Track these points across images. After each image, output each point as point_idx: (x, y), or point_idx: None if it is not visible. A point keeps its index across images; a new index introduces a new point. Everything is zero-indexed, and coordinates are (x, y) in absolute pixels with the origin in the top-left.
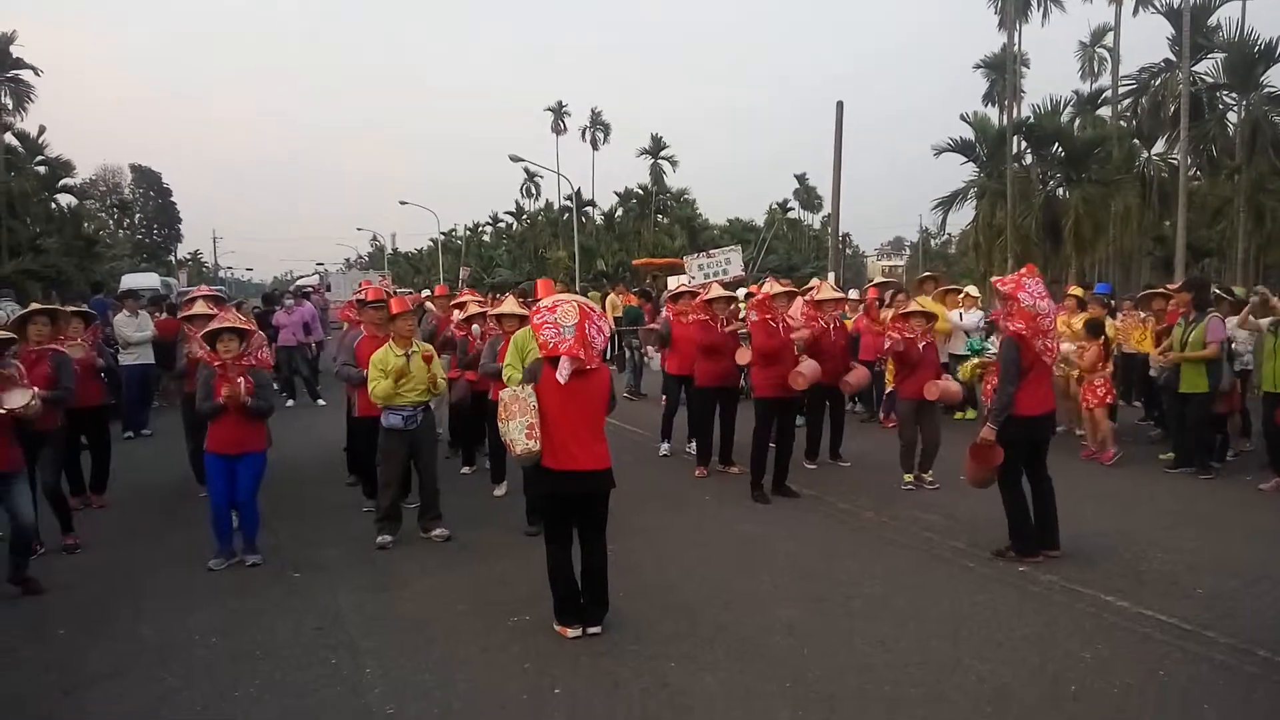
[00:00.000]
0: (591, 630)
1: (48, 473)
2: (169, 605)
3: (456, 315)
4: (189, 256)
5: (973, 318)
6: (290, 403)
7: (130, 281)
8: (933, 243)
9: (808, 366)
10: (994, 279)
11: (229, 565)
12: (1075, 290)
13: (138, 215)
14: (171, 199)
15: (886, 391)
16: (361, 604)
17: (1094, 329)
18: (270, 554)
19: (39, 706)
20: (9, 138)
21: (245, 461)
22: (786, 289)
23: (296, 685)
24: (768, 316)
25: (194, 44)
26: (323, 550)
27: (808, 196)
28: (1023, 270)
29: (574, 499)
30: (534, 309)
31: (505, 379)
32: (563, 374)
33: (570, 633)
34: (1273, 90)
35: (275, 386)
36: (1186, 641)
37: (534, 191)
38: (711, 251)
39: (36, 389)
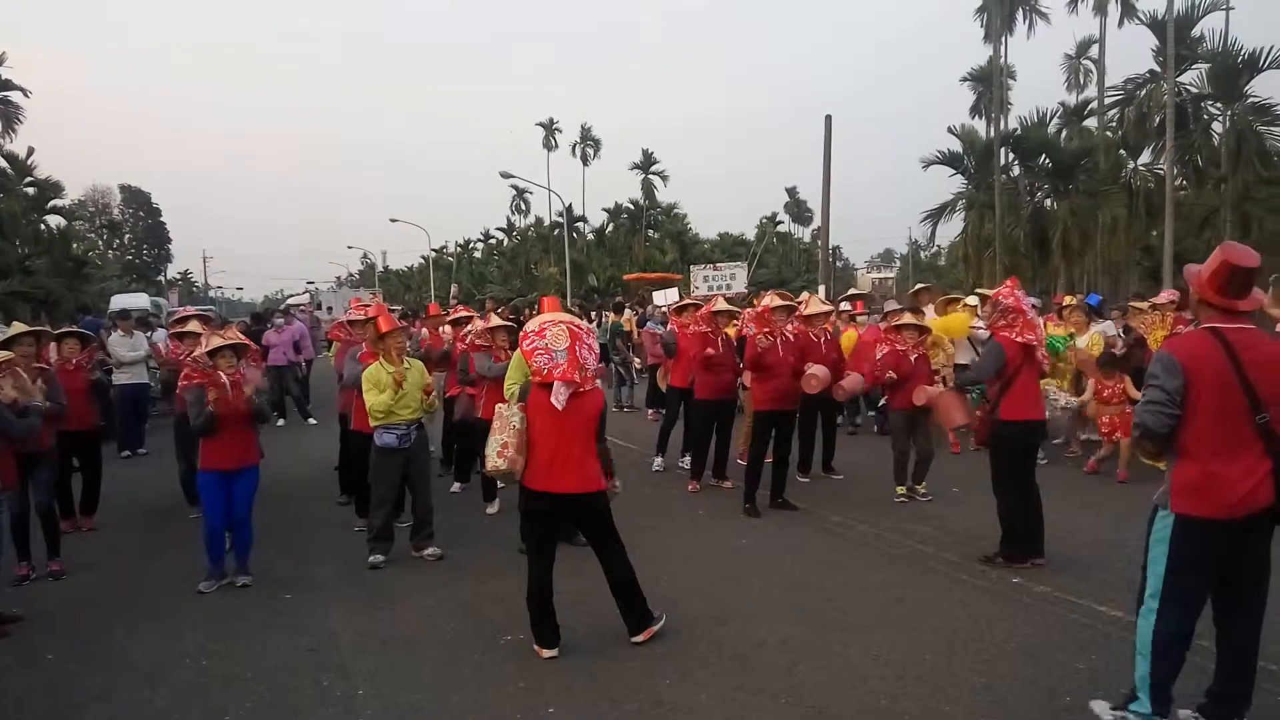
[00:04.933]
0: (635, 640)
1: (41, 493)
2: (159, 628)
3: (447, 331)
4: (179, 276)
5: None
6: (281, 422)
7: (120, 302)
8: (922, 254)
9: (820, 369)
10: (992, 290)
11: (219, 587)
12: (1069, 299)
13: (127, 236)
14: (161, 219)
15: (880, 404)
16: (354, 624)
17: (1109, 364)
18: (262, 575)
19: None
20: None
21: (242, 477)
22: (786, 302)
23: (288, 707)
24: (765, 330)
25: (183, 64)
26: (314, 570)
27: (798, 209)
28: (1008, 282)
29: (557, 519)
30: (523, 333)
31: (506, 393)
32: (559, 399)
33: (546, 653)
34: (1257, 100)
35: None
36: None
37: (524, 208)
38: (719, 265)
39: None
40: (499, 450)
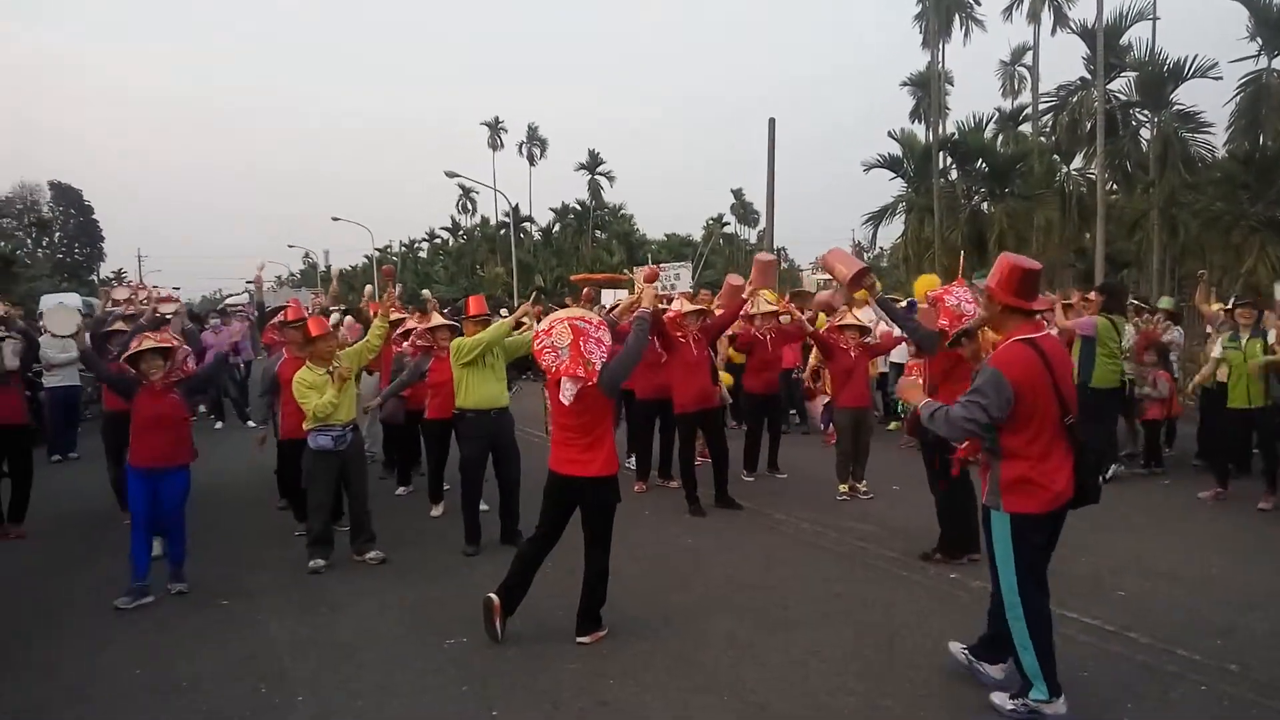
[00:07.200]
0: (579, 640)
1: None
2: (90, 638)
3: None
4: (112, 275)
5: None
6: (219, 425)
7: (50, 302)
8: (865, 256)
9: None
10: (928, 292)
11: (138, 604)
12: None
13: (57, 234)
14: (93, 217)
15: (825, 403)
16: (293, 630)
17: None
18: (198, 581)
19: None
20: None
21: (170, 477)
22: (697, 308)
23: (224, 717)
24: (679, 334)
25: (120, 59)
26: (253, 576)
27: (744, 211)
28: (954, 283)
29: (565, 504)
30: (535, 334)
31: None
32: (566, 395)
33: (495, 598)
34: (1181, 108)
35: (203, 408)
36: (1109, 642)
37: (470, 207)
38: (662, 265)
39: None
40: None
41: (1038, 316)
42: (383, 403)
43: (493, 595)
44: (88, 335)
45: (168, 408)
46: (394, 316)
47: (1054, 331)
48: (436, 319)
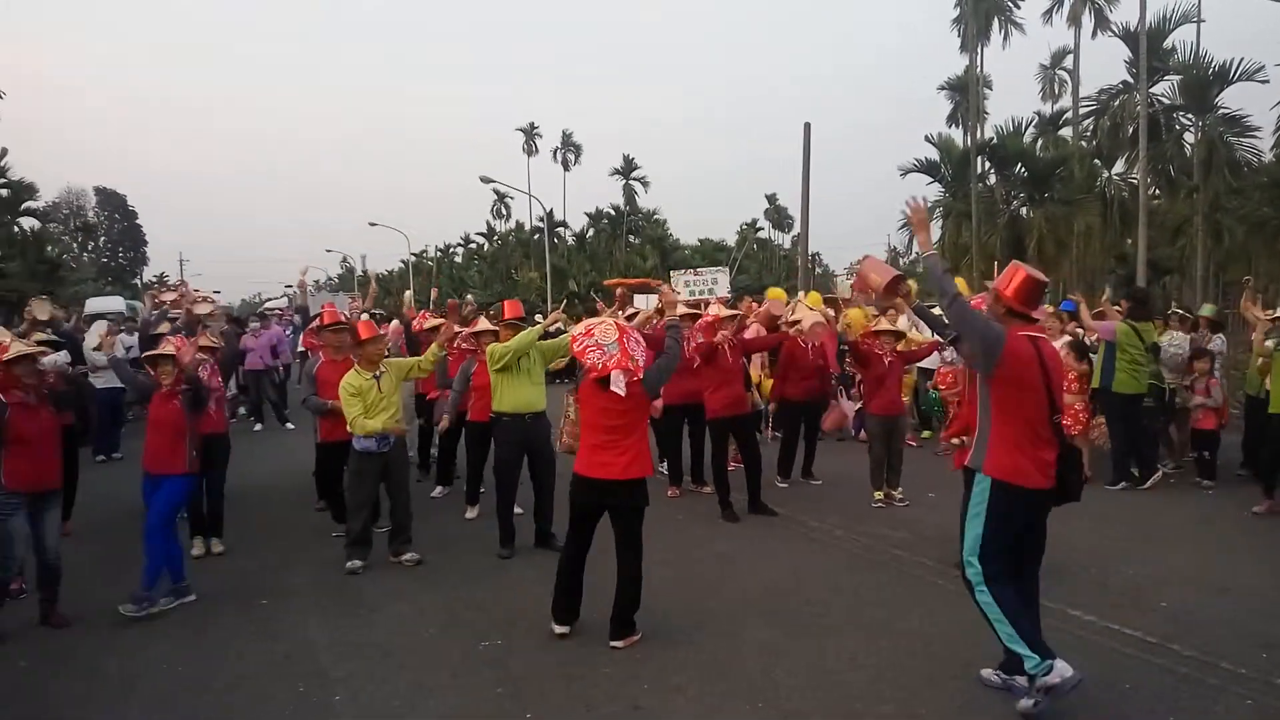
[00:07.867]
0: (613, 644)
1: None
2: (133, 635)
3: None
4: (155, 279)
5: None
6: (259, 427)
7: (95, 305)
8: (901, 262)
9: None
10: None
11: (179, 603)
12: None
13: (102, 238)
14: (137, 221)
15: (856, 408)
16: (331, 631)
17: (1079, 351)
18: (237, 581)
19: None
20: None
21: (163, 484)
22: (732, 313)
23: (263, 714)
24: (714, 339)
25: (160, 64)
26: (291, 576)
27: (778, 216)
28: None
29: (595, 507)
30: (572, 337)
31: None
32: (619, 386)
33: (557, 629)
34: (1227, 111)
35: (243, 410)
36: (1151, 654)
37: (504, 212)
38: (699, 270)
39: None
40: (562, 434)
41: (1036, 323)
42: (449, 419)
43: (555, 627)
44: (136, 337)
45: (170, 413)
46: (430, 323)
47: (1091, 338)
48: (483, 323)
